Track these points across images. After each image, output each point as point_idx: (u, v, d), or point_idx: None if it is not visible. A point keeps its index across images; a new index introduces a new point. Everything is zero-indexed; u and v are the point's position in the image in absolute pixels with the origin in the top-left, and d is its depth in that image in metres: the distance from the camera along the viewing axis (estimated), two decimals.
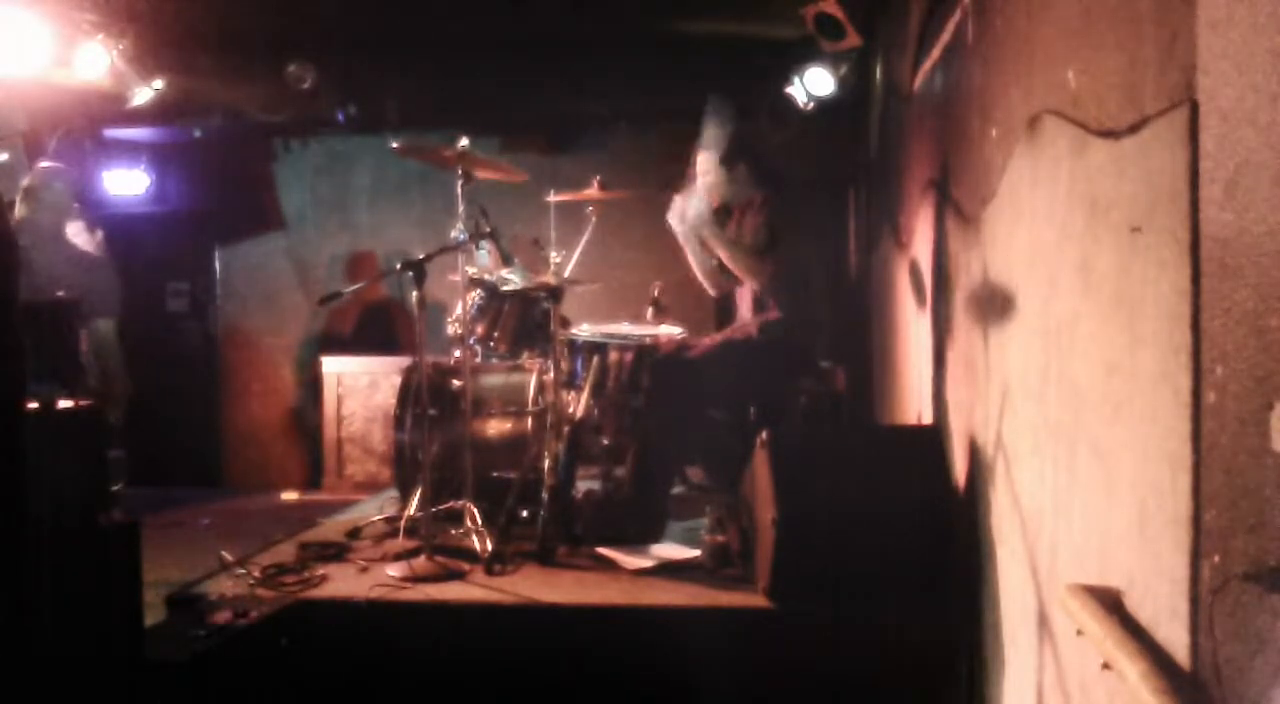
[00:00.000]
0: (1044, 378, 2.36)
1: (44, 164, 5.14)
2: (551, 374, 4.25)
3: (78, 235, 5.63)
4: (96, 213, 6.34)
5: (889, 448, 3.65)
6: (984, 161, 2.98)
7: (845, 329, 6.44)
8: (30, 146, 6.00)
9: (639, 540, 4.05)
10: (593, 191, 4.66)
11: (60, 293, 4.53)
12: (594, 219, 4.72)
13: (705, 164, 4.45)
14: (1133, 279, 1.75)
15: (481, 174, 4.32)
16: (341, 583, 3.68)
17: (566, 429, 4.17)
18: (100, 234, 5.80)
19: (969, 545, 3.19)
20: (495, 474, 4.39)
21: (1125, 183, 1.80)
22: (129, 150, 7.41)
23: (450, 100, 6.59)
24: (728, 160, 4.40)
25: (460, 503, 4.11)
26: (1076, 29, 2.10)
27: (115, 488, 4.86)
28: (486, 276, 4.35)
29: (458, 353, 4.56)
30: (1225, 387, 1.39)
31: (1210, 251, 1.43)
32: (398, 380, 4.96)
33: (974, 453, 3.19)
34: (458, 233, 4.14)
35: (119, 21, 5.24)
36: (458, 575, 3.71)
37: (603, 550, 3.96)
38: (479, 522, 4.00)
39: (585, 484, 4.50)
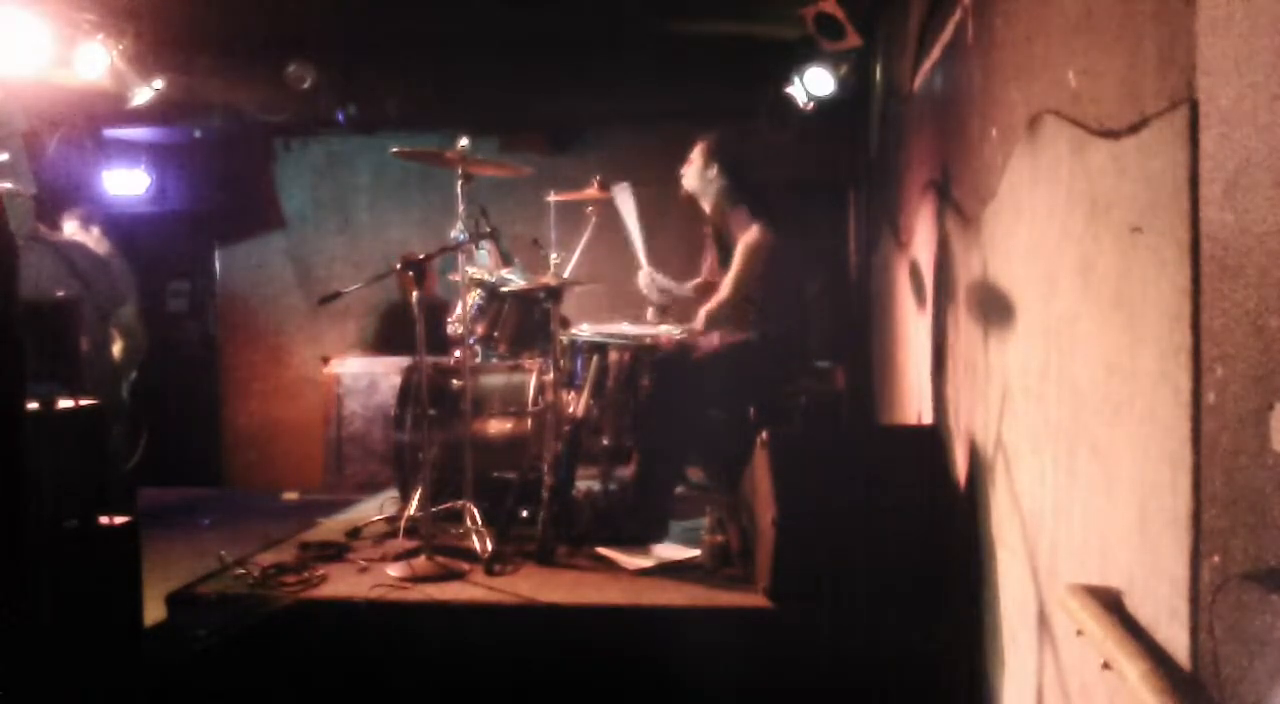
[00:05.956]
0: (1044, 378, 2.36)
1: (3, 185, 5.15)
2: (551, 374, 4.25)
3: (77, 236, 5.64)
4: (90, 210, 6.33)
5: (889, 448, 3.64)
6: (984, 161, 2.98)
7: (845, 329, 6.46)
8: (30, 146, 6.00)
9: (640, 540, 4.05)
10: (593, 191, 4.67)
11: (60, 293, 4.55)
12: (594, 219, 4.72)
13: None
14: (1133, 279, 1.75)
15: (483, 171, 4.32)
16: (341, 583, 3.68)
17: (566, 429, 4.17)
18: (96, 230, 5.80)
19: (969, 546, 3.18)
20: (495, 474, 4.39)
21: (1125, 183, 1.79)
22: (129, 150, 7.41)
23: (450, 100, 6.58)
24: (714, 156, 4.44)
25: (460, 503, 4.11)
26: (1076, 29, 2.10)
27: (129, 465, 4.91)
28: (486, 277, 4.35)
29: (458, 353, 4.56)
30: (1225, 387, 1.39)
31: (1210, 251, 1.43)
32: (398, 380, 4.96)
33: (974, 453, 3.19)
34: (458, 233, 4.14)
35: (119, 21, 5.23)
36: (458, 575, 3.71)
37: (603, 550, 3.96)
38: (479, 522, 4.00)
39: (585, 484, 4.50)
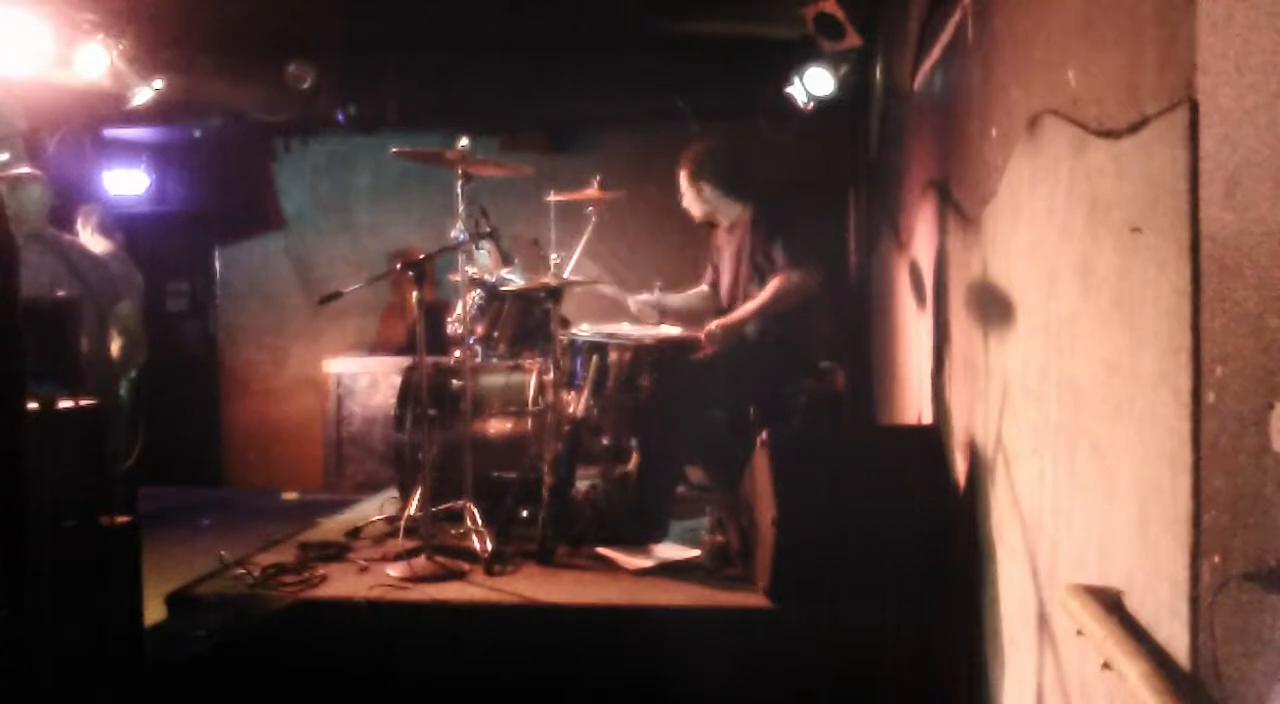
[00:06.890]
0: (1044, 378, 2.36)
1: (17, 170, 5.09)
2: (551, 374, 4.25)
3: (79, 235, 5.63)
4: (93, 209, 6.30)
5: (889, 448, 3.65)
6: (984, 161, 2.98)
7: (845, 329, 6.46)
8: (30, 146, 6.00)
9: (640, 540, 4.05)
10: (593, 191, 4.67)
11: (60, 292, 4.54)
12: (594, 219, 4.72)
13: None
14: (1133, 279, 1.75)
15: (483, 171, 4.32)
16: (341, 583, 3.68)
17: (566, 429, 4.17)
18: (90, 229, 5.79)
19: (969, 545, 3.19)
20: (495, 474, 4.39)
21: (1125, 183, 1.79)
22: (129, 150, 7.42)
23: (450, 100, 6.59)
24: (697, 175, 4.46)
25: (460, 503, 4.10)
26: (1076, 29, 2.10)
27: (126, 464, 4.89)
28: (486, 277, 4.35)
29: (458, 353, 4.56)
30: (1225, 387, 1.39)
31: (1210, 251, 1.43)
32: (398, 380, 4.96)
33: (974, 453, 3.19)
34: (458, 233, 4.14)
35: (119, 21, 5.23)
36: (458, 575, 3.71)
37: (603, 550, 3.96)
38: (479, 522, 4.00)
39: (585, 484, 4.50)
